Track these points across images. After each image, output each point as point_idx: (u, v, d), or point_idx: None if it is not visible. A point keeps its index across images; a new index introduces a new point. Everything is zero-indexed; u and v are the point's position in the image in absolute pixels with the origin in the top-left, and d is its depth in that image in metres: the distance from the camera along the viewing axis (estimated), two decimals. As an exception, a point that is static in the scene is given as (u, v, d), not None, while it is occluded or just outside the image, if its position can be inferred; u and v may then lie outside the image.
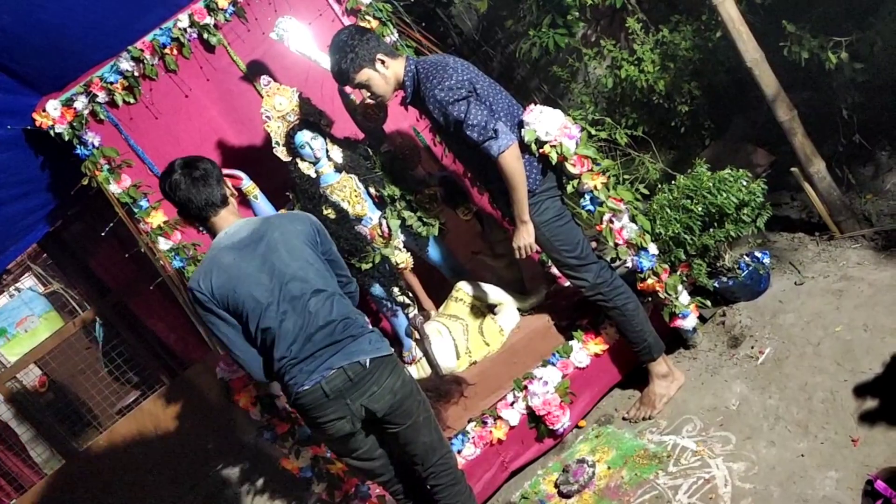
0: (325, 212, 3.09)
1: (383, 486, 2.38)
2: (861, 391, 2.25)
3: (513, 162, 2.47)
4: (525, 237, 2.63)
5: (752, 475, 2.26)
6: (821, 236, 3.22)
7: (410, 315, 3.25)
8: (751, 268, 3.02)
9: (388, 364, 2.15)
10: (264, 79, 3.13)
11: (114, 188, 3.19)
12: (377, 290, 3.21)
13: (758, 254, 3.08)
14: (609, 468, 2.65)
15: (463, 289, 3.28)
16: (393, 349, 2.21)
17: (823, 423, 2.28)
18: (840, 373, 2.41)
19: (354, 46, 2.50)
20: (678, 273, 2.93)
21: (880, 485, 1.58)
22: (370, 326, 2.21)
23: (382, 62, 2.54)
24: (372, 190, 3.18)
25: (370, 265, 3.15)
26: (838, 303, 2.75)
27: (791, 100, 3.06)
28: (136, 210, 3.18)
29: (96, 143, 3.18)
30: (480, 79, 2.57)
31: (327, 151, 3.09)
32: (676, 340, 2.99)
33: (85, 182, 3.20)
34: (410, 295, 3.34)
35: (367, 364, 2.08)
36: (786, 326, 2.78)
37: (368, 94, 2.61)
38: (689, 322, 2.89)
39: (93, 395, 4.85)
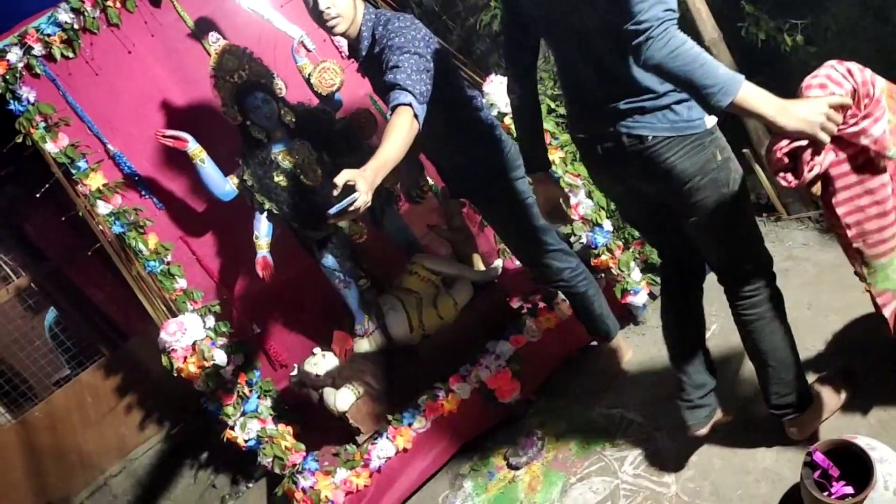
0: (276, 178, 2.99)
1: None
2: (804, 367, 2.31)
3: (410, 124, 1.97)
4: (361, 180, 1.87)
5: (695, 447, 2.30)
6: (768, 217, 3.28)
7: (363, 287, 3.20)
8: (701, 246, 3.06)
9: None
10: (213, 36, 3.00)
11: (50, 147, 3.01)
12: (329, 261, 3.14)
13: (708, 233, 3.11)
14: (557, 440, 2.68)
15: (419, 262, 3.24)
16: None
17: (766, 398, 2.32)
18: (783, 349, 2.46)
19: None
20: (631, 250, 2.95)
21: (818, 456, 1.62)
22: None
23: None
24: (325, 157, 3.09)
25: (323, 235, 3.08)
26: (784, 282, 2.75)
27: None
28: (73, 171, 3.01)
29: (31, 99, 2.99)
30: (441, 51, 2.26)
31: (279, 116, 2.98)
32: (626, 316, 3.02)
33: (19, 140, 3.02)
34: (364, 267, 3.28)
35: None
36: (733, 304, 2.83)
37: (326, 12, 2.11)
38: (640, 298, 2.93)
39: (28, 364, 4.65)
